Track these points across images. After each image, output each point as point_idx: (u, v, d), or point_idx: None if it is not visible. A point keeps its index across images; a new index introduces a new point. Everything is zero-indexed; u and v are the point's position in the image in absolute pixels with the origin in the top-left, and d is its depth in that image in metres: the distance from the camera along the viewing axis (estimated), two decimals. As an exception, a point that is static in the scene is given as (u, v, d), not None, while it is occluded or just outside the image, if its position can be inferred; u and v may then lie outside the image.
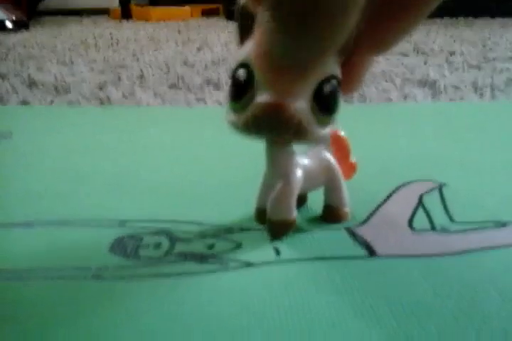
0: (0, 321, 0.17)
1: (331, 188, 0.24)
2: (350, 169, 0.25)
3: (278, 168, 0.21)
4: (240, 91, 0.18)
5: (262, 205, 0.23)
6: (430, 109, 0.46)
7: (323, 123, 0.18)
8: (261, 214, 0.23)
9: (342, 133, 0.24)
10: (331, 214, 0.24)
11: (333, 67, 0.18)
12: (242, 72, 0.18)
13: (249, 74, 0.18)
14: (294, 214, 0.22)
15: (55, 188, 0.28)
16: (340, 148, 0.24)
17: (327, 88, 0.18)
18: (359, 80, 0.21)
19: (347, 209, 0.24)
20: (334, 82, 0.18)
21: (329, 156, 0.24)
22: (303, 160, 0.22)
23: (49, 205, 0.26)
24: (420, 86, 0.55)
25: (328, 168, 0.23)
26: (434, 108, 0.47)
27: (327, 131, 0.19)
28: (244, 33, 0.18)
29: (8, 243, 0.22)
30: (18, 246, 0.22)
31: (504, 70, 0.63)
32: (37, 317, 0.17)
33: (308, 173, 0.22)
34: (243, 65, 0.18)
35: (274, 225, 0.22)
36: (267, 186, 0.23)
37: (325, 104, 0.18)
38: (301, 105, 0.17)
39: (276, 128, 0.18)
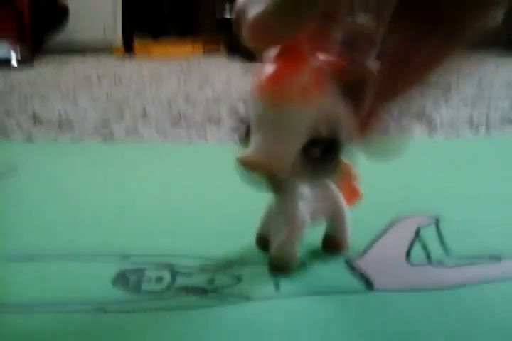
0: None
1: (334, 219, 0.24)
2: (352, 195, 0.25)
3: (284, 213, 0.23)
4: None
5: (263, 232, 0.24)
6: (427, 144, 0.47)
7: (318, 177, 0.20)
8: (261, 241, 0.24)
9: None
10: (331, 245, 0.25)
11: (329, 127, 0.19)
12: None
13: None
14: (296, 255, 0.23)
15: (59, 222, 0.29)
16: (343, 173, 0.24)
17: (314, 153, 0.19)
18: (376, 125, 0.21)
19: (348, 240, 0.25)
20: (324, 144, 0.19)
21: (333, 186, 0.24)
22: (306, 192, 0.23)
23: (52, 239, 0.26)
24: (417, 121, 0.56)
25: (333, 200, 0.24)
26: (431, 143, 0.48)
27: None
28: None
29: (12, 277, 0.23)
30: (22, 279, 0.22)
31: (499, 108, 0.64)
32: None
33: (311, 206, 0.23)
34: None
35: (276, 263, 0.23)
36: (270, 217, 0.24)
37: (313, 166, 0.20)
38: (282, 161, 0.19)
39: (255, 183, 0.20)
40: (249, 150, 0.19)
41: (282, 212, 0.23)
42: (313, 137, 0.19)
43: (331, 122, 0.19)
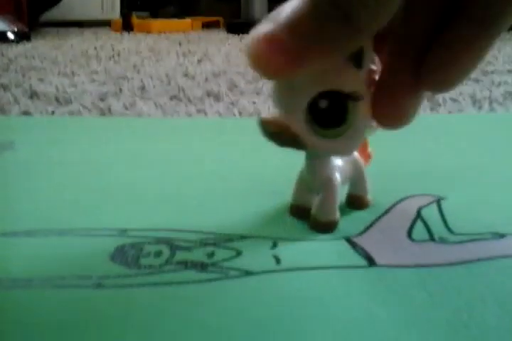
0: (0, 330, 0.17)
1: (357, 180, 0.26)
2: (367, 158, 0.27)
3: (319, 175, 0.24)
4: None
5: (298, 202, 0.25)
6: (429, 120, 0.46)
7: (330, 137, 0.20)
8: (296, 210, 0.26)
9: None
10: (357, 202, 0.27)
11: (332, 81, 0.19)
12: None
13: None
14: (338, 215, 0.24)
15: (56, 198, 0.28)
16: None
17: (322, 103, 0.19)
18: (410, 114, 0.21)
19: (370, 197, 0.27)
20: (334, 95, 0.19)
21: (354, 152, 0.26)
22: (337, 161, 0.24)
23: (50, 215, 0.26)
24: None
25: (354, 163, 0.26)
26: (433, 120, 0.47)
27: (346, 142, 0.20)
28: None
29: (8, 252, 0.22)
30: (19, 255, 0.22)
31: (502, 83, 0.63)
32: (38, 325, 0.17)
33: (342, 172, 0.24)
34: None
35: (321, 225, 0.24)
36: (303, 185, 0.25)
37: (321, 118, 0.19)
38: (294, 119, 0.19)
39: (272, 141, 0.20)
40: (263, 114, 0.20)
41: (318, 175, 0.24)
42: (320, 90, 0.19)
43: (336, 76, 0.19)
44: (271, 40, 0.16)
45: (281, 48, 0.16)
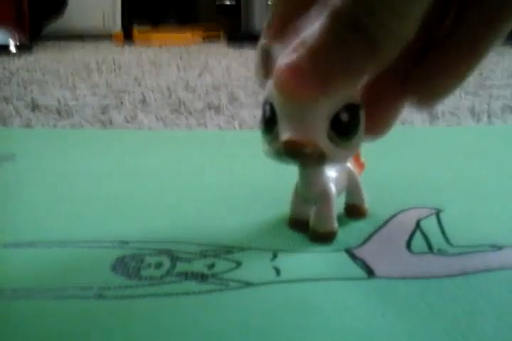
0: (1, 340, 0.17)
1: (353, 189, 0.27)
2: (361, 167, 0.27)
3: (314, 186, 0.24)
4: (268, 126, 0.21)
5: (296, 214, 0.26)
6: (428, 133, 0.47)
7: (345, 146, 0.20)
8: (294, 223, 0.26)
9: None
10: (355, 211, 0.27)
11: (349, 95, 0.20)
12: (267, 109, 0.20)
13: (273, 111, 0.20)
14: (336, 225, 0.25)
15: (57, 209, 0.28)
16: None
17: (344, 117, 0.20)
18: (389, 124, 0.21)
19: (367, 206, 0.27)
20: (350, 108, 0.20)
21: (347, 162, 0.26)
22: (331, 173, 0.25)
23: (51, 226, 0.26)
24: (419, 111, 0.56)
25: (349, 173, 0.26)
26: (432, 131, 0.47)
27: (353, 150, 0.21)
28: (266, 71, 0.20)
29: (10, 262, 0.23)
30: (20, 265, 0.22)
31: (501, 97, 0.63)
32: (39, 336, 0.17)
33: (337, 183, 0.25)
34: (267, 102, 0.20)
35: (320, 236, 0.24)
36: (300, 198, 0.25)
37: (343, 130, 0.20)
38: (319, 136, 0.20)
39: (300, 161, 0.21)
40: (286, 135, 0.19)
41: (312, 187, 0.24)
42: (343, 104, 0.20)
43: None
44: (296, 70, 0.17)
45: (306, 78, 0.17)
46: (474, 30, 0.18)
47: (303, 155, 0.20)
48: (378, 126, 0.21)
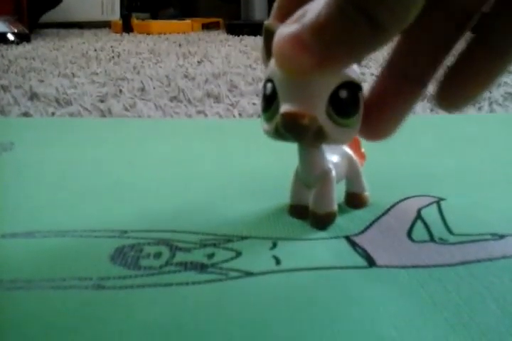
0: (0, 331, 0.17)
1: (353, 177, 0.26)
2: (362, 157, 0.27)
3: (314, 167, 0.24)
4: (268, 103, 0.21)
5: (296, 201, 0.25)
6: (429, 122, 0.46)
7: (345, 126, 0.20)
8: (295, 210, 0.26)
9: None
10: (355, 200, 0.27)
11: (349, 72, 0.20)
12: (269, 87, 0.21)
13: (274, 89, 0.20)
14: (336, 206, 0.24)
15: (56, 199, 0.28)
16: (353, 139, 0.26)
17: (342, 93, 0.20)
18: (394, 128, 0.21)
19: (367, 194, 0.27)
20: (350, 86, 0.20)
21: (348, 149, 0.26)
22: (331, 158, 0.25)
23: (50, 216, 0.26)
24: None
25: (350, 161, 0.26)
26: (433, 120, 0.47)
27: (352, 131, 0.21)
28: (269, 51, 0.20)
29: (9, 253, 0.22)
30: (19, 256, 0.22)
31: (502, 84, 0.63)
32: (38, 326, 0.17)
33: (337, 168, 0.25)
34: (269, 80, 0.21)
35: (320, 218, 0.24)
36: (300, 184, 0.25)
37: (341, 108, 0.20)
38: (318, 111, 0.20)
39: (298, 134, 0.20)
40: (285, 107, 0.20)
41: (313, 168, 0.24)
42: (341, 81, 0.20)
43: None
44: (296, 40, 0.16)
45: (306, 49, 0.16)
46: (505, 37, 0.18)
47: (301, 127, 0.19)
48: (383, 129, 0.21)
